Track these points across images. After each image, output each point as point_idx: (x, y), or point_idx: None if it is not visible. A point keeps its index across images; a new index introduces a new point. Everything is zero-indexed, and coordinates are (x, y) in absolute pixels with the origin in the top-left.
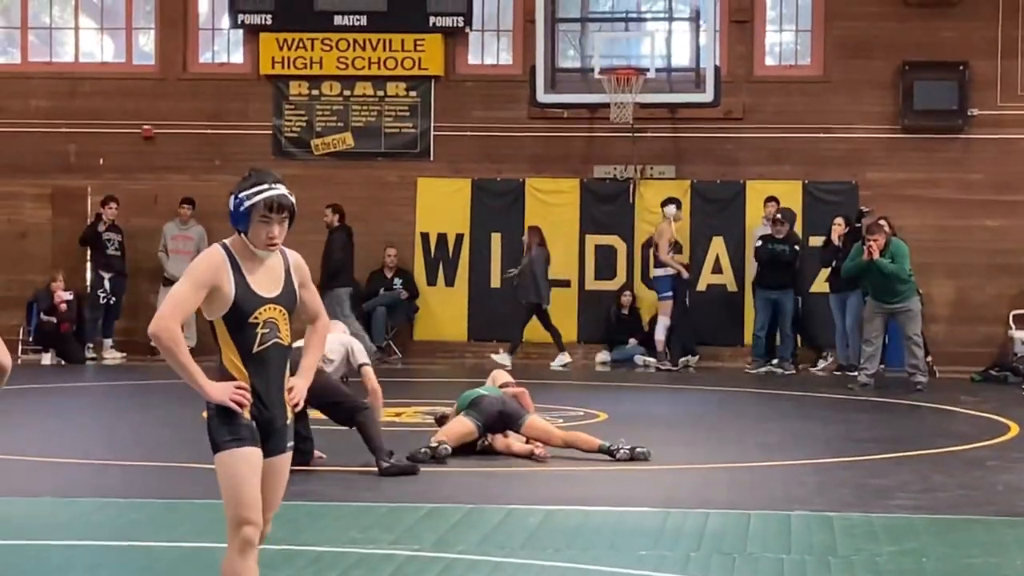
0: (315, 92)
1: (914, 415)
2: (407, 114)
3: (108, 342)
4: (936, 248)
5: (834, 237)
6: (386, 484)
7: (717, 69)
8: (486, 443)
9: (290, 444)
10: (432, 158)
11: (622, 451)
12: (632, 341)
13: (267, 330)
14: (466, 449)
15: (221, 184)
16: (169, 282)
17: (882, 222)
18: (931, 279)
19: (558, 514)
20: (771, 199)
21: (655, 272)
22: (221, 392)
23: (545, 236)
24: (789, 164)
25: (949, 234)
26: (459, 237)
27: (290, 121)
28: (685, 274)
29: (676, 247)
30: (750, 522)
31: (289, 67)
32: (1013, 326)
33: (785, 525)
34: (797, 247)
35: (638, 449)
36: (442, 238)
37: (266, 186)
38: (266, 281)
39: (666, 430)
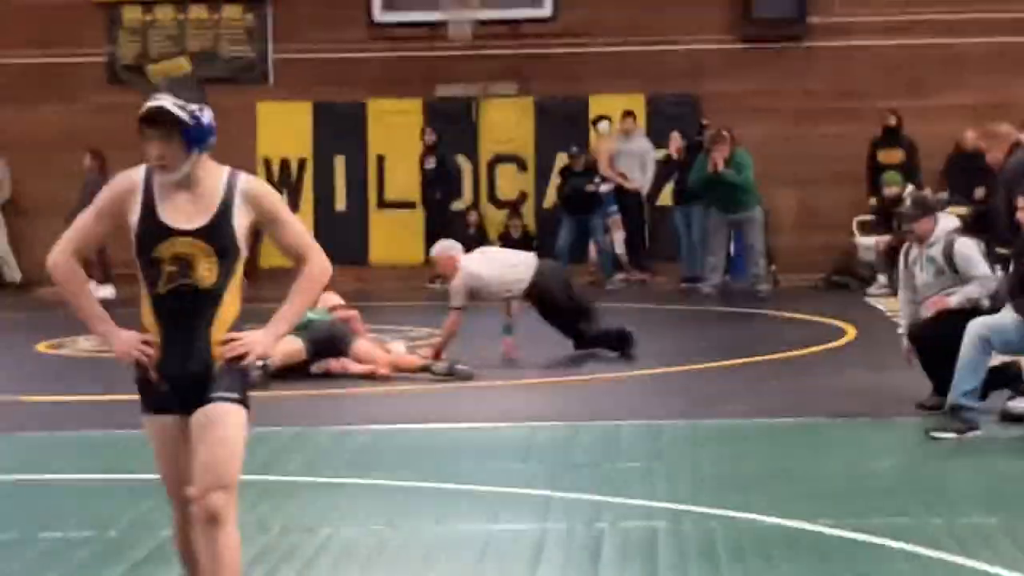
0: (149, 17)
1: (753, 323)
2: (244, 37)
3: None
4: (779, 158)
5: (672, 151)
6: None
7: None
8: (321, 369)
9: (225, 394)
10: (271, 82)
11: (437, 366)
12: None
13: (174, 268)
14: (299, 373)
15: (52, 115)
16: None
17: (726, 133)
18: (775, 189)
19: (387, 434)
20: (628, 113)
21: (602, 188)
22: (123, 344)
23: (388, 158)
24: (631, 78)
25: (792, 144)
26: (302, 162)
27: (125, 48)
28: (628, 185)
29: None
30: (577, 434)
31: None
32: (857, 233)
33: (613, 436)
34: (597, 179)
35: (457, 366)
36: (285, 163)
37: (150, 99)
38: (186, 211)
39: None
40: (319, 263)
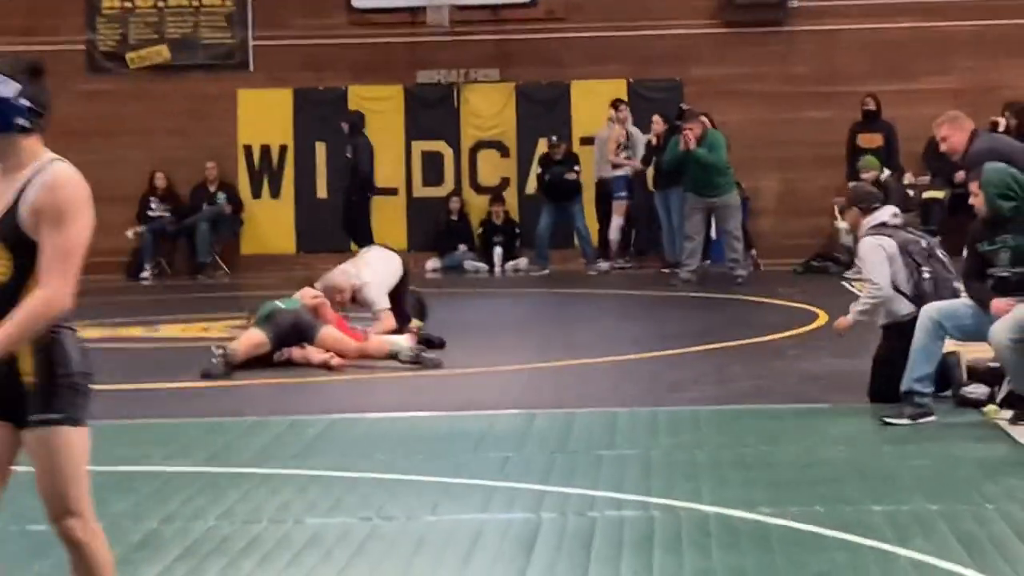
0: (128, 4)
1: (728, 308)
2: (224, 24)
3: None
4: (762, 143)
5: (652, 136)
6: (175, 401)
7: None
8: (283, 356)
9: (47, 416)
10: (252, 69)
11: (403, 354)
12: (462, 247)
13: None
14: (261, 362)
15: None
16: None
17: (702, 117)
18: (758, 173)
19: (341, 423)
20: (619, 102)
21: (614, 173)
22: None
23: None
24: (614, 63)
25: (775, 128)
26: (283, 148)
27: (104, 35)
28: (638, 166)
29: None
30: (533, 422)
31: None
32: (839, 217)
33: (567, 424)
34: (577, 168)
35: (424, 354)
36: (265, 150)
37: None
38: None
39: (474, 335)
40: (50, 298)
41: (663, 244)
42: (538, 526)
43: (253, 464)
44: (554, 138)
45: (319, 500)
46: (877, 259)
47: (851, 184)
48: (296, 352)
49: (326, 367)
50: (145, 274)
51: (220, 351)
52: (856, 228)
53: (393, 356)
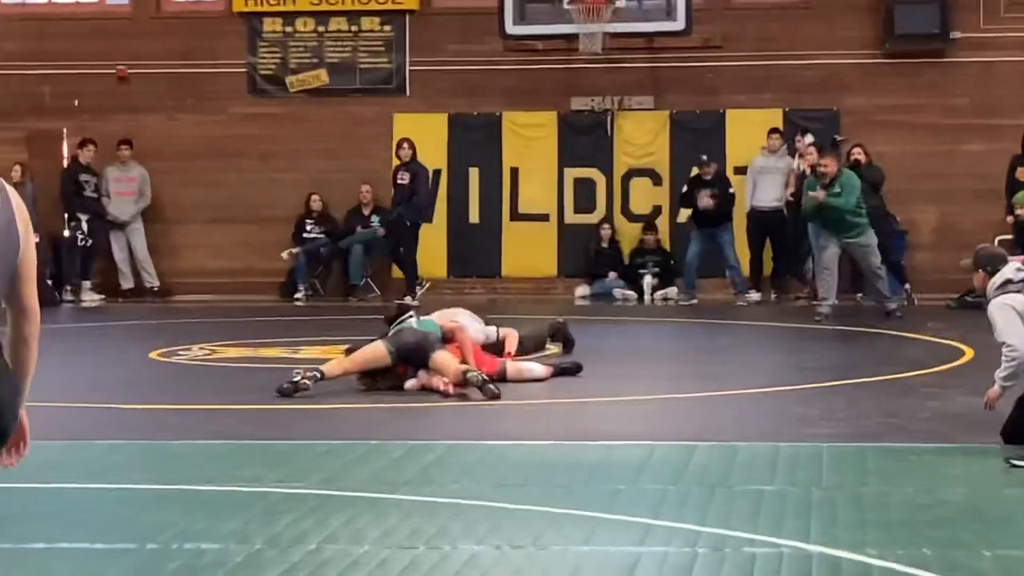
0: (289, 29)
1: (872, 343)
2: (382, 49)
3: (86, 284)
4: (919, 175)
5: (804, 165)
6: (299, 422)
7: None
8: (416, 385)
9: None
10: (408, 93)
11: (473, 374)
12: (612, 275)
13: None
14: (390, 382)
15: (195, 124)
16: (114, 225)
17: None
18: (914, 206)
19: (459, 449)
20: (774, 131)
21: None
22: None
23: (522, 170)
24: (769, 92)
25: (932, 160)
26: (436, 173)
27: (264, 59)
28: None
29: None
30: (652, 454)
31: (262, 3)
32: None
33: (686, 457)
34: (732, 191)
35: (487, 385)
36: None
37: None
38: None
39: (611, 363)
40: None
41: (813, 275)
42: (637, 560)
43: (364, 488)
44: (704, 157)
45: (423, 526)
46: (1007, 319)
47: (978, 247)
48: (423, 378)
49: (444, 393)
50: (298, 295)
51: (313, 373)
52: (984, 291)
53: (467, 381)
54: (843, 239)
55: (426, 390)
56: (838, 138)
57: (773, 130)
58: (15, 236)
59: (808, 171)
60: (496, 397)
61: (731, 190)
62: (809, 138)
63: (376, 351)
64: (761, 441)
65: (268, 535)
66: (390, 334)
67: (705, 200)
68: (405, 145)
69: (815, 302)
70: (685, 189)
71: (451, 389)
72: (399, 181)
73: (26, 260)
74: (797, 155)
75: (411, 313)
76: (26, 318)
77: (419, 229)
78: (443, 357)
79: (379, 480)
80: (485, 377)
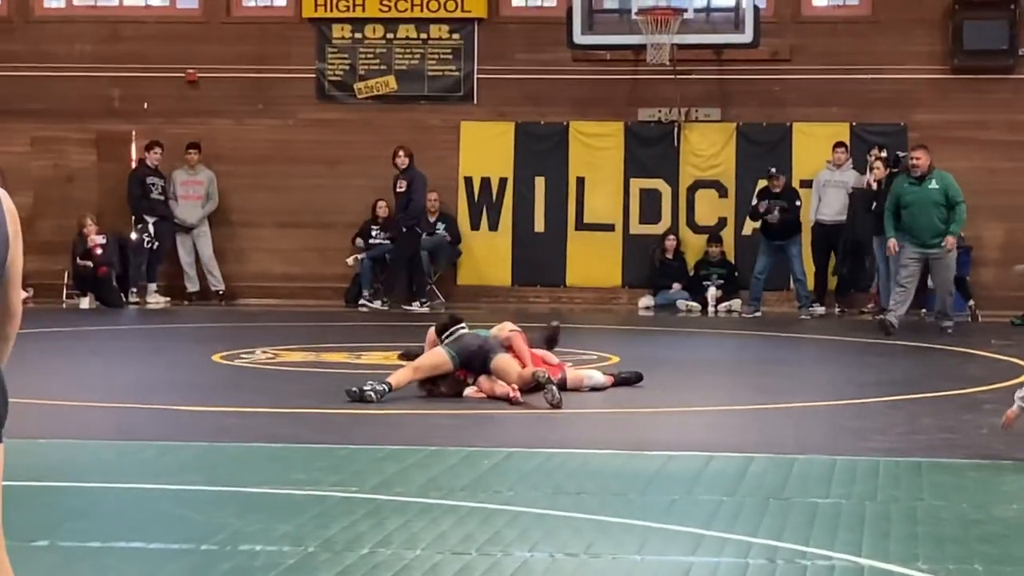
0: (358, 35)
1: (933, 358)
2: (450, 57)
3: (152, 286)
4: (986, 191)
5: (872, 180)
6: (357, 427)
7: (756, 9)
8: (476, 392)
9: None
10: (475, 101)
11: (540, 372)
12: (676, 286)
13: None
14: (451, 387)
15: (264, 129)
16: (180, 228)
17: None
18: (980, 222)
19: (517, 456)
20: (839, 144)
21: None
22: None
23: (588, 180)
24: (836, 106)
25: (999, 176)
26: (503, 181)
27: (333, 65)
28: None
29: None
30: (708, 464)
31: (332, 10)
32: None
33: (742, 468)
34: (799, 203)
35: (553, 387)
36: (486, 182)
37: None
38: None
39: (670, 373)
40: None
41: (879, 289)
42: (688, 570)
43: (420, 494)
44: (772, 170)
45: (477, 532)
46: None
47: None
48: (484, 384)
49: (508, 400)
50: (363, 301)
51: (365, 388)
52: None
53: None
54: (927, 247)
55: (488, 398)
56: (901, 155)
57: (838, 144)
58: (3, 239)
59: (875, 185)
60: (558, 406)
61: (798, 203)
62: (883, 152)
63: (438, 356)
64: (817, 454)
65: (322, 538)
66: (445, 342)
67: (773, 214)
68: (401, 153)
69: (879, 316)
70: (755, 202)
71: (518, 395)
72: (398, 189)
73: (13, 264)
74: (869, 169)
75: (463, 324)
76: (9, 320)
77: (420, 235)
78: (505, 361)
79: (435, 486)
80: (552, 378)
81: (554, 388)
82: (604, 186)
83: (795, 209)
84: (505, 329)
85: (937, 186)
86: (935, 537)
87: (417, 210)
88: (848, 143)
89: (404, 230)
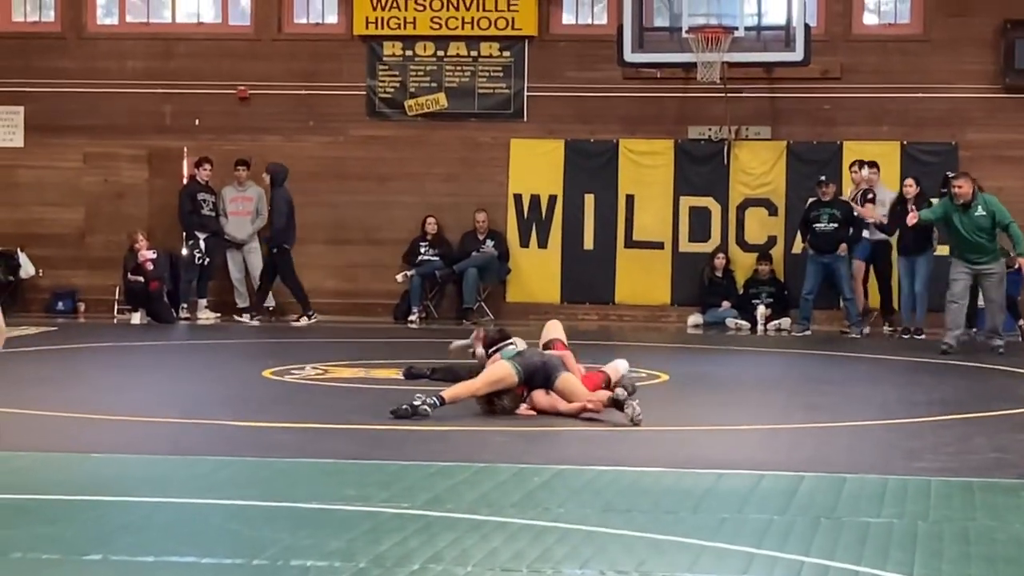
0: (409, 53)
1: (985, 378)
2: (500, 74)
3: (203, 302)
4: None
5: (882, 217)
6: (409, 443)
7: (807, 28)
8: (531, 407)
9: None
10: (525, 119)
11: (620, 391)
12: (725, 304)
13: None
14: (512, 402)
15: (315, 145)
16: (231, 245)
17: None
18: None
19: (568, 473)
20: (856, 163)
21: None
22: None
23: (637, 197)
24: (887, 124)
25: None
26: (552, 199)
27: (384, 82)
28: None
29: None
30: (759, 483)
31: (383, 27)
32: None
33: (793, 487)
34: (855, 212)
35: (634, 403)
36: (535, 199)
37: None
38: None
39: (718, 391)
40: None
41: (901, 306)
42: None
43: (471, 510)
44: (822, 178)
45: (527, 549)
46: None
47: None
48: (542, 400)
49: (572, 416)
50: (412, 317)
51: (416, 404)
52: None
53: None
54: (976, 266)
55: (543, 414)
56: (950, 175)
57: (870, 164)
58: None
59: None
60: (639, 423)
61: (855, 212)
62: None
63: (503, 370)
64: (869, 473)
65: (373, 554)
66: (509, 355)
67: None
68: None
69: (908, 335)
70: (808, 214)
71: (600, 406)
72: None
73: None
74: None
75: (512, 340)
76: None
77: (289, 255)
78: (571, 380)
79: (486, 502)
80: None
81: (635, 404)
82: (653, 204)
83: (851, 218)
84: (549, 334)
85: (983, 212)
86: (988, 557)
87: (277, 230)
88: (901, 161)
89: (274, 252)
